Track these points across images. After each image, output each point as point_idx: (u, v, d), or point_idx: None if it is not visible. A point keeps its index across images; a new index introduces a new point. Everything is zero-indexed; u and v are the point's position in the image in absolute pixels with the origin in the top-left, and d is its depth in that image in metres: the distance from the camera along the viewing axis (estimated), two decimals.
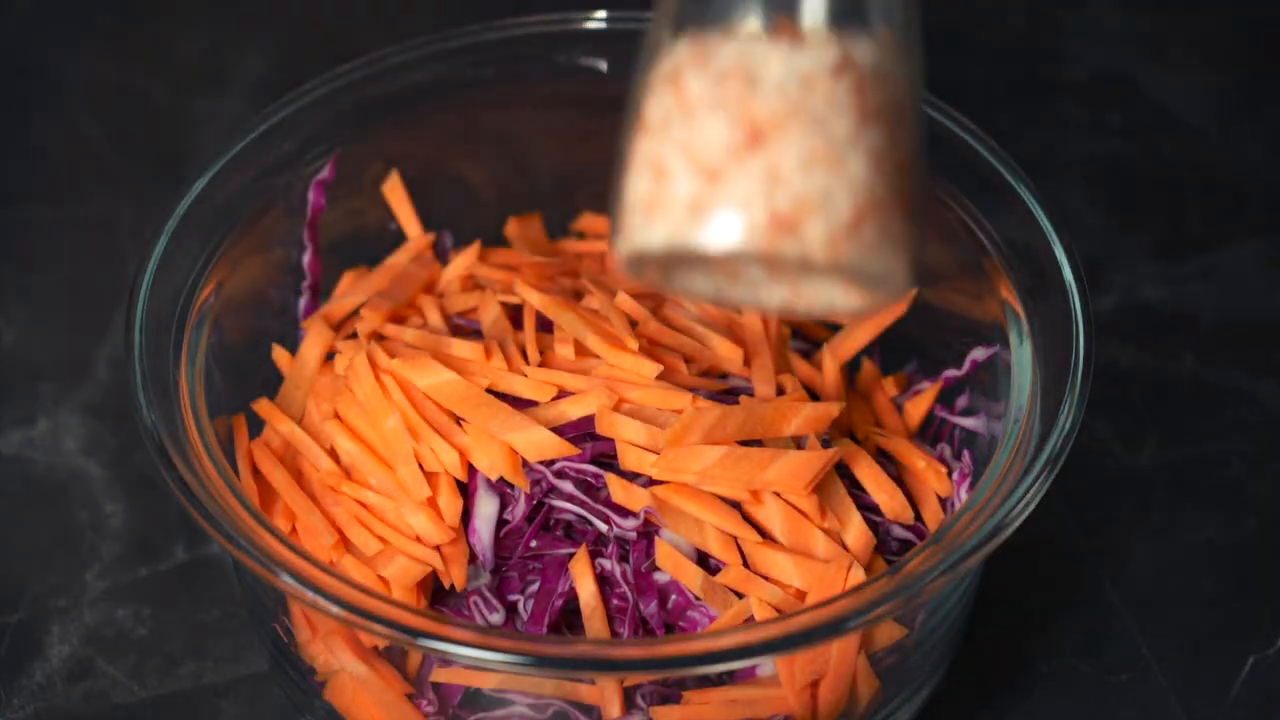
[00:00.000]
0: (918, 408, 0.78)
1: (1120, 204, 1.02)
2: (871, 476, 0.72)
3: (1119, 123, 1.06)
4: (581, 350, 0.73)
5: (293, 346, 0.77)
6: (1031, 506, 0.65)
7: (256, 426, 0.74)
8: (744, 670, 0.69)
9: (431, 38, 0.80)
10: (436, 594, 0.71)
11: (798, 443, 0.71)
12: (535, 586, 0.71)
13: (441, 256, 0.82)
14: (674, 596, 0.69)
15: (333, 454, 0.72)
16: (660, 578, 0.69)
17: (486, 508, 0.70)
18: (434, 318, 0.76)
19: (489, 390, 0.71)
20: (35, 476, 0.88)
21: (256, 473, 0.72)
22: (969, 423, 0.76)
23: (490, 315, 0.75)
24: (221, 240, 0.74)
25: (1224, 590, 0.84)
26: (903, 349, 0.80)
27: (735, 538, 0.68)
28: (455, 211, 0.82)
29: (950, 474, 0.74)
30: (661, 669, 0.64)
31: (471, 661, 0.62)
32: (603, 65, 0.80)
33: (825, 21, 0.53)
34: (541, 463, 0.70)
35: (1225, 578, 0.85)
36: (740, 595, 0.68)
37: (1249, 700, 0.80)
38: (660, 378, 0.71)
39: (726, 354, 0.75)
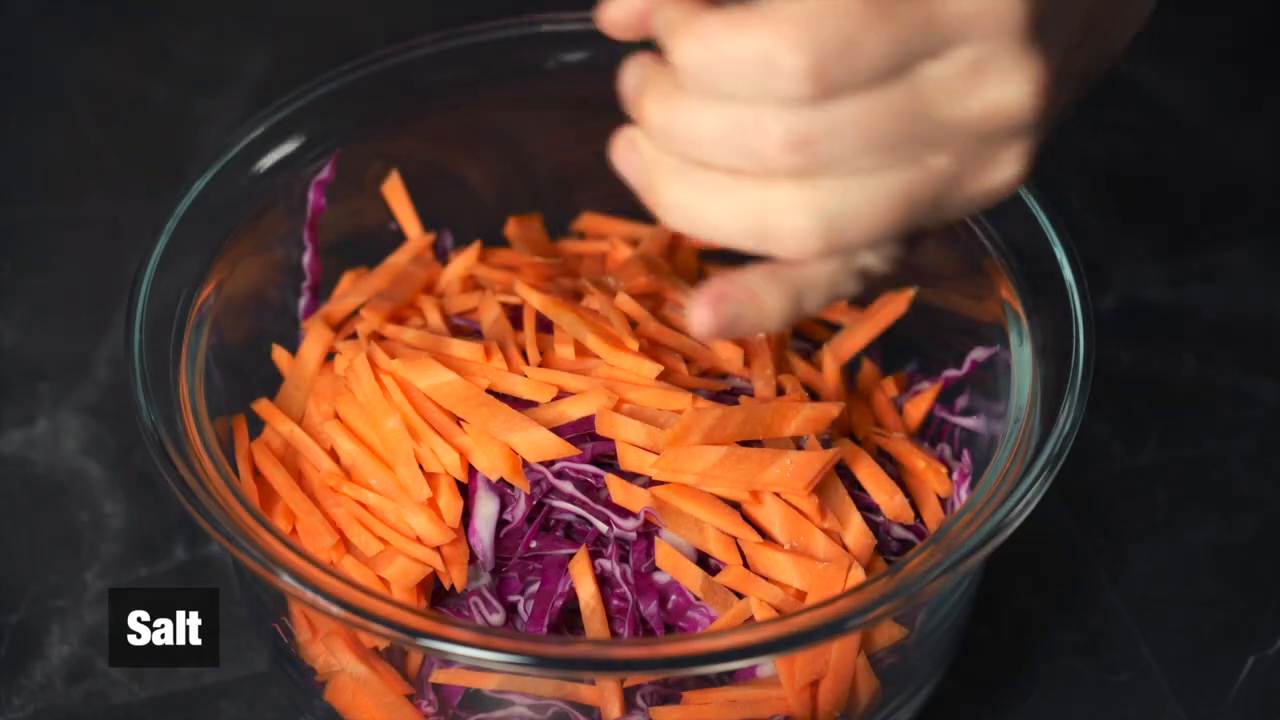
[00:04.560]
0: (918, 408, 0.78)
1: (1120, 204, 1.02)
2: (871, 476, 0.72)
3: (1119, 123, 1.06)
4: (581, 351, 0.73)
5: (293, 346, 0.77)
6: (1031, 507, 0.64)
7: (256, 427, 0.74)
8: (744, 670, 0.69)
9: (431, 38, 0.80)
10: (436, 594, 0.71)
11: (798, 443, 0.71)
12: (535, 587, 0.71)
13: (441, 256, 0.82)
14: (674, 597, 0.69)
15: (333, 454, 0.71)
16: (660, 578, 0.69)
17: (486, 508, 0.70)
18: (434, 318, 0.76)
19: (489, 391, 0.71)
20: (35, 476, 0.88)
21: (256, 473, 0.72)
22: (969, 423, 0.76)
23: (490, 315, 0.75)
24: (221, 240, 0.74)
25: (1224, 590, 0.84)
26: (903, 349, 0.80)
27: (735, 538, 0.68)
28: (455, 211, 0.82)
29: (950, 474, 0.74)
30: (661, 669, 0.64)
31: (471, 662, 0.62)
32: (603, 65, 0.80)
33: None
34: (541, 463, 0.70)
35: (1225, 578, 0.85)
36: (740, 595, 0.68)
37: (1249, 700, 0.80)
38: (660, 378, 0.71)
39: (726, 354, 0.75)
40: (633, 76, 0.56)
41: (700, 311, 0.56)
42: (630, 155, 0.56)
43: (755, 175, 0.53)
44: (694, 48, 0.52)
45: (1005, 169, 0.55)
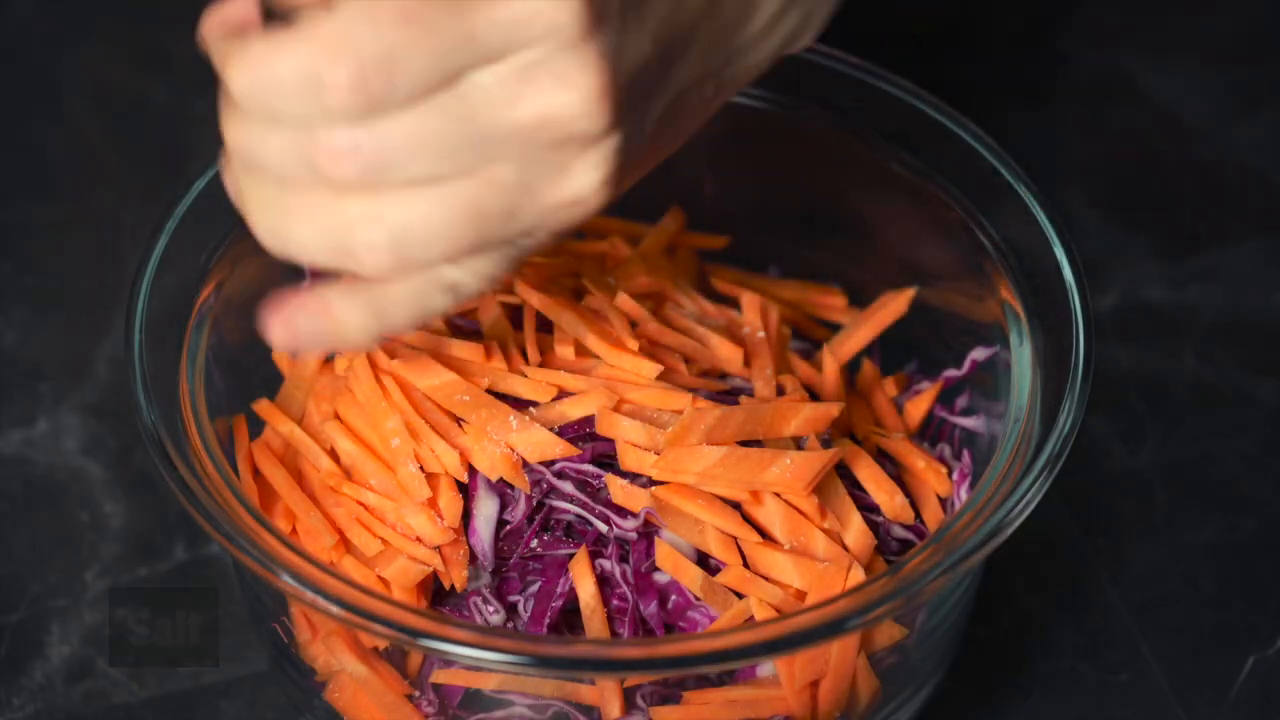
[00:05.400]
0: (918, 408, 0.78)
1: (1120, 204, 1.02)
2: (871, 476, 0.72)
3: (1119, 123, 1.06)
4: (581, 350, 0.73)
5: None
6: (1031, 506, 0.65)
7: (256, 427, 0.74)
8: (744, 670, 0.69)
9: None
10: (436, 595, 0.71)
11: (798, 443, 0.71)
12: (535, 587, 0.71)
13: None
14: (674, 597, 0.69)
15: (333, 455, 0.71)
16: (660, 578, 0.69)
17: (486, 508, 0.70)
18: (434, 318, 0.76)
19: (489, 391, 0.71)
20: (35, 476, 0.88)
21: (256, 473, 0.72)
22: (969, 423, 0.76)
23: (490, 315, 0.75)
24: (221, 240, 0.74)
25: (1224, 590, 0.84)
26: (903, 349, 0.80)
27: (735, 538, 0.68)
28: None
29: (950, 474, 0.74)
30: (661, 669, 0.64)
31: (472, 662, 0.62)
32: None
33: None
34: (542, 463, 0.70)
35: (1225, 578, 0.85)
36: (740, 595, 0.68)
37: (1249, 700, 0.80)
38: (660, 378, 0.71)
39: (726, 354, 0.75)
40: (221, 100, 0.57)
41: (274, 325, 0.58)
42: (231, 180, 0.58)
43: (326, 192, 0.54)
44: (243, 76, 0.54)
45: (580, 178, 0.55)
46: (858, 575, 0.67)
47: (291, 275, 0.78)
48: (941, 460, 0.75)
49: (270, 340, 0.58)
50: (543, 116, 0.53)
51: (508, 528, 0.71)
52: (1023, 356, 0.71)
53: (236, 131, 0.55)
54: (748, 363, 0.75)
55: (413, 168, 0.54)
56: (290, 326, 0.58)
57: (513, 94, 0.53)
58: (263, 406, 0.74)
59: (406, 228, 0.54)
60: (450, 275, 0.57)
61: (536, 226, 0.56)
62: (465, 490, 0.70)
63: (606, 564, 0.70)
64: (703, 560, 0.69)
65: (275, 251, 0.57)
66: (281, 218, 0.56)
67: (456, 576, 0.70)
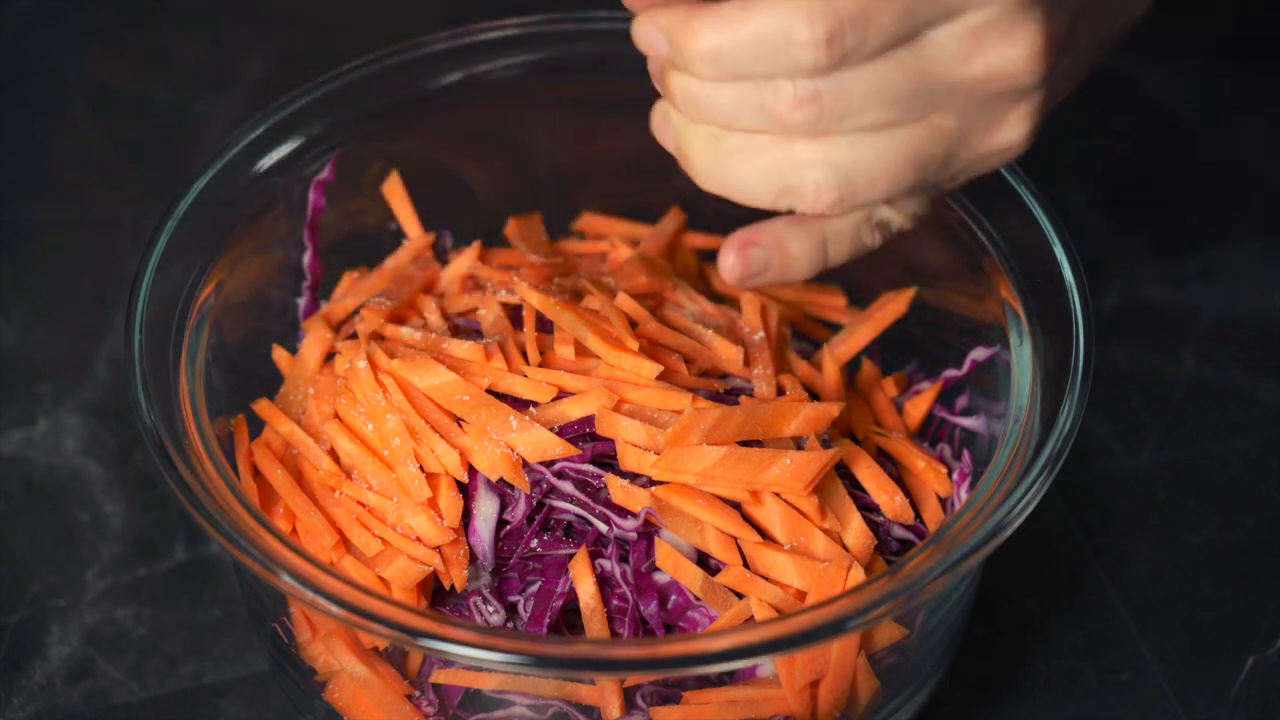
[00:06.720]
0: (918, 408, 0.78)
1: (1120, 204, 1.02)
2: (871, 476, 0.72)
3: (1119, 123, 1.06)
4: (581, 350, 0.73)
5: (293, 347, 0.77)
6: (1031, 507, 0.65)
7: (256, 427, 0.74)
8: (744, 670, 0.69)
9: (431, 38, 0.80)
10: (436, 595, 0.71)
11: (798, 443, 0.71)
12: (535, 587, 0.71)
13: (441, 256, 0.82)
14: (674, 597, 0.69)
15: (333, 454, 0.71)
16: (660, 578, 0.69)
17: (487, 508, 0.70)
18: (434, 318, 0.76)
19: (489, 391, 0.71)
20: (35, 476, 0.88)
21: (256, 473, 0.72)
22: (969, 423, 0.76)
23: (490, 316, 0.75)
24: (221, 240, 0.74)
25: (1224, 590, 0.84)
26: (903, 349, 0.80)
27: (735, 538, 0.68)
28: (455, 211, 0.82)
29: (950, 474, 0.74)
30: (661, 669, 0.64)
31: (472, 662, 0.62)
32: (603, 65, 0.80)
33: None
34: (541, 463, 0.70)
35: (1225, 578, 0.85)
36: (740, 595, 0.68)
37: (1249, 700, 0.80)
38: (660, 378, 0.71)
39: (726, 354, 0.75)
40: (651, 53, 0.60)
41: (729, 258, 0.62)
42: (664, 126, 0.62)
43: (775, 135, 0.58)
44: (711, 38, 0.57)
45: (1012, 130, 0.60)
46: (858, 575, 0.67)
47: (290, 276, 0.79)
48: (941, 460, 0.75)
49: (723, 272, 0.62)
50: (991, 71, 0.58)
51: (508, 528, 0.71)
52: (1023, 356, 0.71)
53: (685, 85, 0.59)
54: (748, 363, 0.75)
55: (866, 115, 0.57)
56: (744, 258, 0.62)
57: (966, 49, 0.57)
58: (263, 406, 0.74)
59: (855, 170, 0.58)
60: (883, 214, 0.62)
61: (963, 171, 0.61)
62: (465, 490, 0.71)
63: (606, 564, 0.70)
64: (703, 560, 0.69)
65: (712, 190, 0.61)
66: (725, 160, 0.60)
67: (456, 576, 0.70)
